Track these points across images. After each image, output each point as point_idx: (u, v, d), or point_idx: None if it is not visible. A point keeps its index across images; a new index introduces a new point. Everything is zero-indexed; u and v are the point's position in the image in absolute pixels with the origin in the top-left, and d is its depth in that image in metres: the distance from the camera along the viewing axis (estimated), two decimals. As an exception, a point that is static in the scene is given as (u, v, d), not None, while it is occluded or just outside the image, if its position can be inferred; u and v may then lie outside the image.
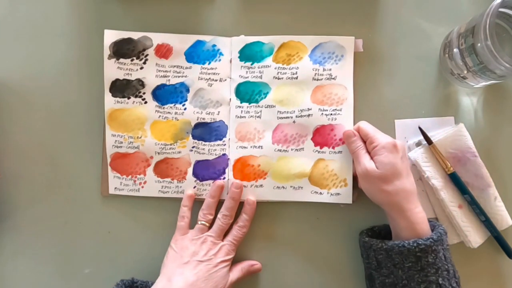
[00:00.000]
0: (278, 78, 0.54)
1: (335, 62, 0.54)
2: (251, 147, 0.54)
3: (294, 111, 0.54)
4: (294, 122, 0.54)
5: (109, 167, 0.54)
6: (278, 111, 0.54)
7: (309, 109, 0.53)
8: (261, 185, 0.53)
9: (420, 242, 0.43)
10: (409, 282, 0.44)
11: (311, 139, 0.53)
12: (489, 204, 0.52)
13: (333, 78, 0.54)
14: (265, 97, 0.54)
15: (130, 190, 0.54)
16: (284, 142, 0.54)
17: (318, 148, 0.53)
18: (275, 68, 0.54)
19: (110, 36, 0.54)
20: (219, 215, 0.51)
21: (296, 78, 0.54)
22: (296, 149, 0.54)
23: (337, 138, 0.53)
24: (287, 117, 0.54)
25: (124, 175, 0.54)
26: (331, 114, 0.53)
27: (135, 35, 0.54)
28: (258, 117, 0.54)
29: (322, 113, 0.53)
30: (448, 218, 0.53)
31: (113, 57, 0.54)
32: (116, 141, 0.54)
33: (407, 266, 0.44)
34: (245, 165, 0.54)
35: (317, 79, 0.54)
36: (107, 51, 0.53)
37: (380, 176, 0.46)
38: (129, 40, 0.54)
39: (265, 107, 0.54)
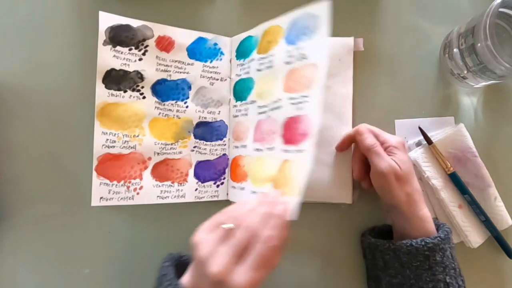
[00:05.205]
0: (259, 70, 0.50)
1: (308, 37, 0.45)
2: (241, 146, 0.51)
3: (268, 105, 0.48)
4: (269, 117, 0.47)
5: (94, 172, 0.48)
6: (257, 106, 0.49)
7: (279, 100, 0.46)
8: (242, 188, 0.49)
9: (428, 241, 0.43)
10: (417, 281, 0.44)
11: (281, 135, 0.45)
12: (489, 204, 0.52)
13: (305, 58, 0.45)
14: (249, 93, 0.50)
15: (122, 198, 0.49)
16: (261, 140, 0.48)
17: (286, 146, 0.44)
18: (258, 60, 0.50)
19: (106, 20, 0.49)
20: None
21: (272, 66, 0.48)
22: (268, 148, 0.47)
23: (301, 132, 0.43)
24: (263, 112, 0.48)
25: (115, 180, 0.49)
26: (299, 102, 0.44)
27: (134, 23, 0.50)
28: (246, 114, 0.51)
29: (290, 103, 0.45)
30: (448, 218, 0.53)
31: (109, 43, 0.49)
32: (107, 140, 0.49)
33: (415, 265, 0.44)
34: (236, 165, 0.51)
35: (289, 62, 0.46)
36: (102, 36, 0.48)
37: (402, 175, 0.45)
38: (127, 27, 0.50)
39: (250, 103, 0.50)
